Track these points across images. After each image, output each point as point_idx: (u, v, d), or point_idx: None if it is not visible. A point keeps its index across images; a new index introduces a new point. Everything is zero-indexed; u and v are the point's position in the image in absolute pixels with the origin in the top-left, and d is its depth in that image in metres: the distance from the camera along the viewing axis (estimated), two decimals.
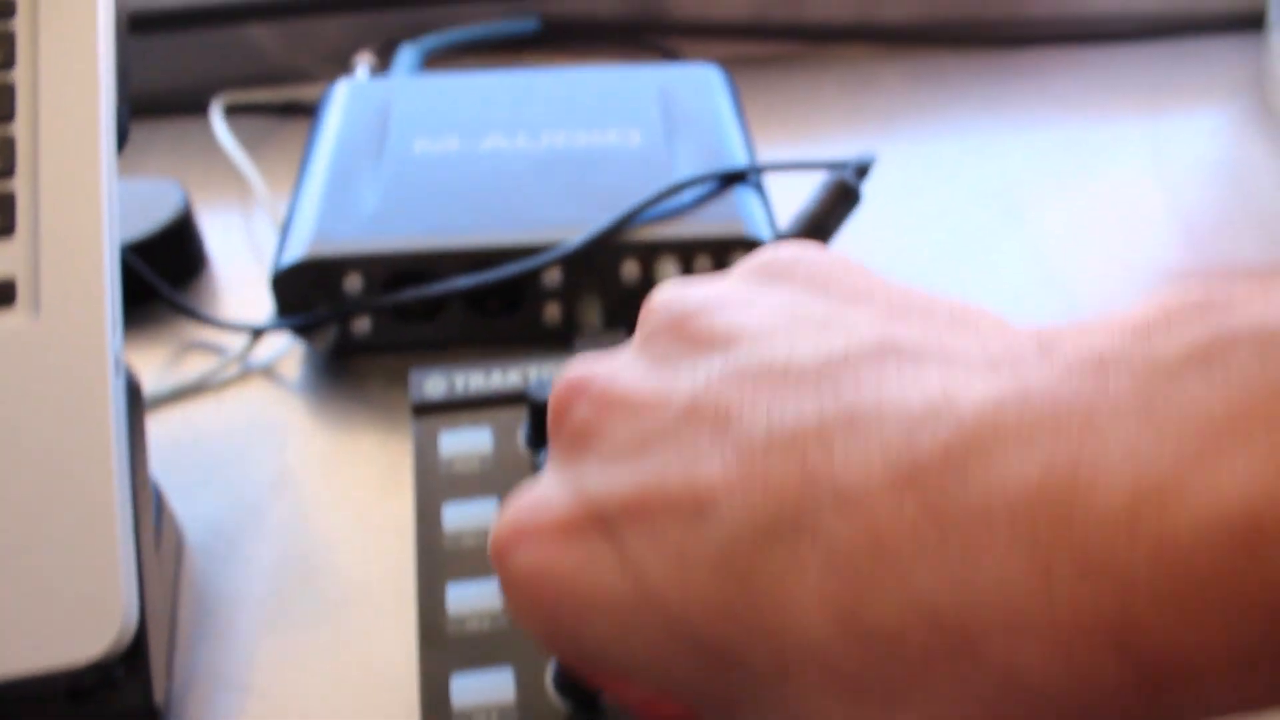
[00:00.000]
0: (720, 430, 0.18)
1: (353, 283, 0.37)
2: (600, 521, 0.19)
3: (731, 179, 0.39)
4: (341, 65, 0.53)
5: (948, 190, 0.48)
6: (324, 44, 0.55)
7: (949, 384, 0.17)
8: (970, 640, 0.15)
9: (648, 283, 0.37)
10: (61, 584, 0.25)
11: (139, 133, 0.40)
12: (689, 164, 0.40)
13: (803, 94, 0.55)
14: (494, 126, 0.42)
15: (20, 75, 0.29)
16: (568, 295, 0.38)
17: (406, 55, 0.51)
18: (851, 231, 0.40)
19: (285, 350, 0.40)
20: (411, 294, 0.36)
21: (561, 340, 0.38)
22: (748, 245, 0.37)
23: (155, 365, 0.40)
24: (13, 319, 0.27)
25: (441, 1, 0.54)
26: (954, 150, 0.51)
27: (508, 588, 0.20)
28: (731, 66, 0.47)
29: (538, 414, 0.31)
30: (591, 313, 0.38)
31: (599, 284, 0.38)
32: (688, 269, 0.37)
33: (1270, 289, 0.15)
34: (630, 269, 0.37)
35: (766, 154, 0.45)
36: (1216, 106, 0.55)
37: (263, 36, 0.54)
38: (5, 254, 0.27)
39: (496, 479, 0.31)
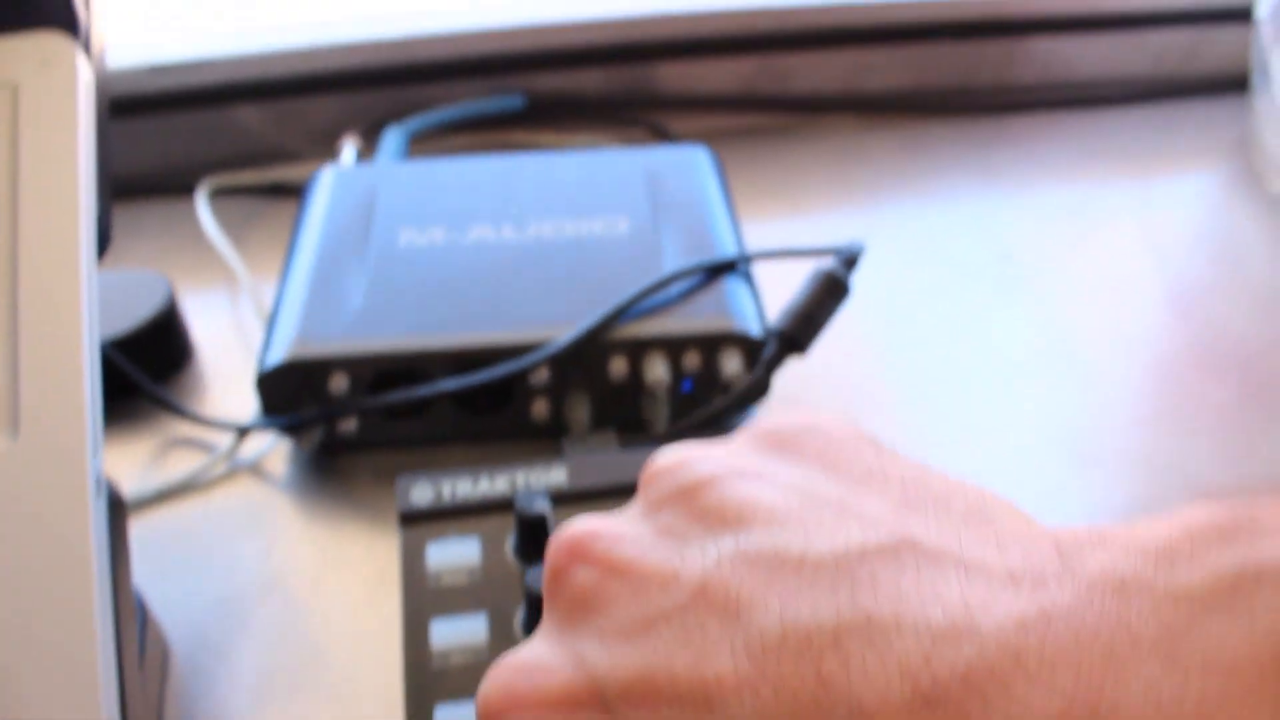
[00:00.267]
0: (730, 620, 0.17)
1: (338, 383, 0.36)
2: (599, 700, 0.18)
3: (720, 269, 0.38)
4: (328, 145, 0.53)
5: (941, 262, 0.48)
6: (311, 124, 0.55)
7: (969, 597, 0.16)
8: None
9: (636, 379, 0.37)
10: (42, 709, 0.24)
11: (125, 216, 0.39)
12: (677, 252, 0.39)
13: (792, 166, 0.55)
14: (479, 216, 0.41)
15: None
16: (556, 393, 0.37)
17: (392, 138, 0.50)
18: (848, 312, 0.39)
19: (271, 447, 0.39)
20: (399, 396, 0.36)
21: (550, 436, 0.38)
22: (736, 340, 0.36)
23: (140, 462, 0.39)
24: None
25: (428, 80, 0.54)
26: (944, 220, 0.51)
27: None
28: (719, 139, 0.47)
29: (526, 527, 0.30)
30: (580, 410, 0.37)
31: (587, 381, 0.37)
32: (676, 365, 0.37)
33: None
34: (618, 366, 0.37)
35: (756, 229, 0.45)
36: (1204, 170, 0.55)
37: (249, 117, 0.54)
38: None
39: (485, 593, 0.30)
